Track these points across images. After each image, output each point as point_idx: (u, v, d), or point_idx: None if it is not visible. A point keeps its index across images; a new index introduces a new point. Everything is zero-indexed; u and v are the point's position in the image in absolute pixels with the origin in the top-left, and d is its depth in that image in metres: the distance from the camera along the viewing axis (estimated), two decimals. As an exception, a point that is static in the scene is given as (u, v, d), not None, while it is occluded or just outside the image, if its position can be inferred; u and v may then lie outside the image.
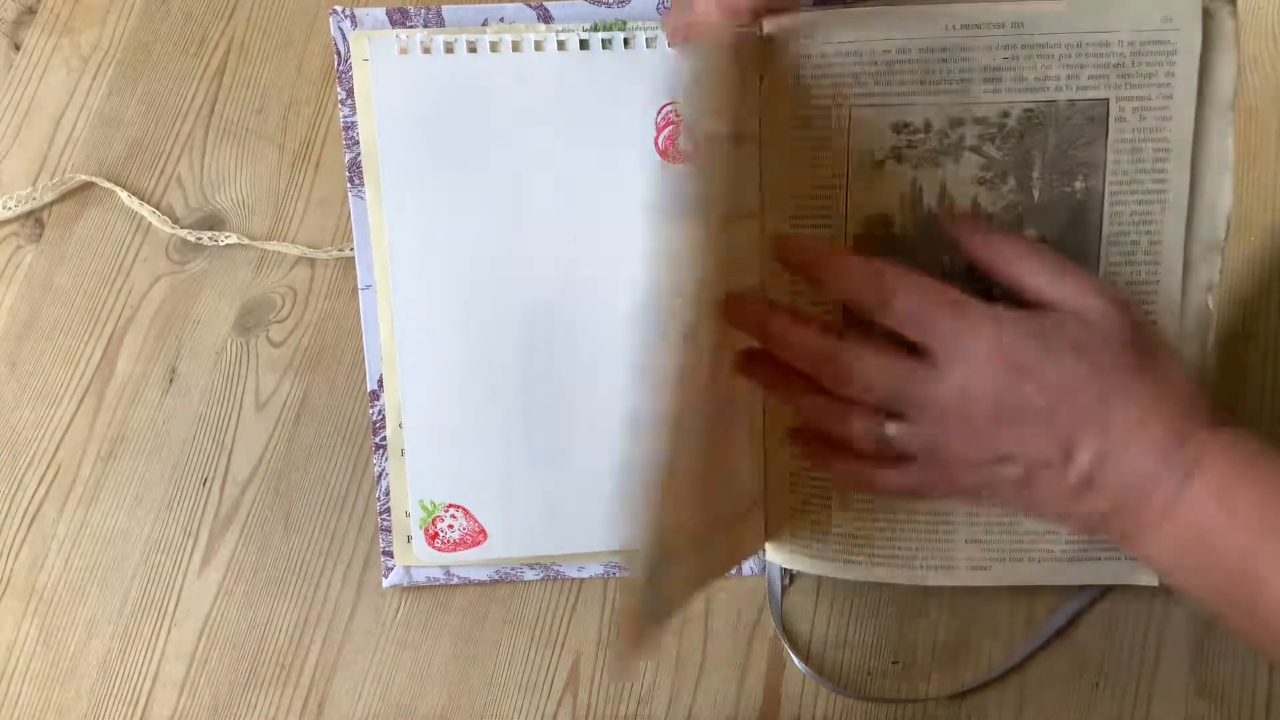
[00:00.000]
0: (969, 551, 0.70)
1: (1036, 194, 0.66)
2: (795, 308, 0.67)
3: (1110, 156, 0.66)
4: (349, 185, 0.72)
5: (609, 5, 0.69)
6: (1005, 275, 0.62)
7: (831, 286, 0.62)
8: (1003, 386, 0.58)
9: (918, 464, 0.61)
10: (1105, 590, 0.72)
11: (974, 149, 0.66)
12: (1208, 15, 0.64)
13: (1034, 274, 0.61)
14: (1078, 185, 0.66)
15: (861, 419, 0.61)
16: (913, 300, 0.59)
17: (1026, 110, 0.65)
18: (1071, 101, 0.65)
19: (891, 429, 0.60)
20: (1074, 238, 0.66)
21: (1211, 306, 0.67)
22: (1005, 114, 0.65)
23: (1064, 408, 0.58)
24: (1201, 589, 0.59)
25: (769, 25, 0.67)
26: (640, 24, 0.69)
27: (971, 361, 0.58)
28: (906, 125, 0.66)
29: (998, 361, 0.58)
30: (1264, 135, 0.76)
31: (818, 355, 0.61)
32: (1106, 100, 0.65)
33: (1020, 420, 0.58)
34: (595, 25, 0.69)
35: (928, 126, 0.66)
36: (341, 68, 0.71)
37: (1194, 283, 0.67)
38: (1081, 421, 0.57)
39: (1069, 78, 0.65)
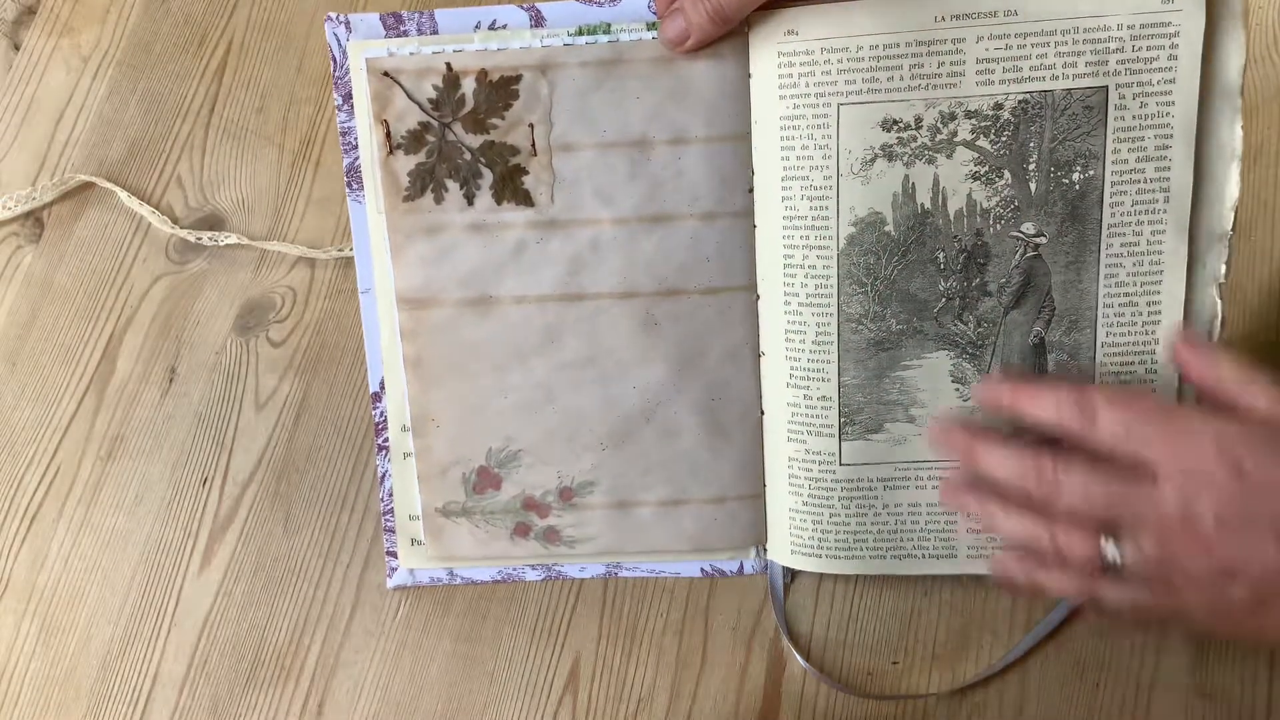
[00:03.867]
0: (970, 540, 0.70)
1: (1033, 187, 0.65)
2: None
3: (1110, 146, 0.64)
4: (348, 189, 0.72)
5: (600, 5, 0.69)
6: (1225, 395, 0.61)
7: (1035, 415, 0.62)
8: (1226, 491, 0.56)
9: (1142, 583, 0.59)
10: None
11: (967, 143, 0.65)
12: None
13: (1256, 394, 0.60)
14: (1076, 177, 0.65)
15: (1080, 537, 0.60)
16: (1120, 414, 0.59)
17: (1021, 101, 0.64)
18: (1068, 90, 0.64)
19: (1111, 550, 0.59)
20: (1073, 230, 0.65)
21: (1220, 301, 0.66)
22: (999, 106, 0.64)
23: None
24: None
25: (755, 23, 0.66)
26: (625, 25, 0.68)
27: (1191, 467, 0.57)
28: (897, 122, 0.65)
29: (1219, 466, 0.56)
30: (1265, 134, 0.74)
31: (1030, 471, 0.60)
32: (1105, 88, 0.64)
33: (1247, 527, 0.56)
34: (580, 29, 0.69)
35: (918, 122, 0.65)
36: (338, 74, 0.70)
37: (1201, 277, 0.66)
38: None
39: (1065, 66, 0.64)
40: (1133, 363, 0.67)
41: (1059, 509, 0.60)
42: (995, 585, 0.65)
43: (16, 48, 0.84)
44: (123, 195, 0.80)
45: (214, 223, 0.80)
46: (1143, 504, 0.58)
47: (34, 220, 0.81)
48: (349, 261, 0.78)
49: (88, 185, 0.81)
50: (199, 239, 0.79)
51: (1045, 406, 0.61)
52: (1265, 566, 0.56)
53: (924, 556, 0.70)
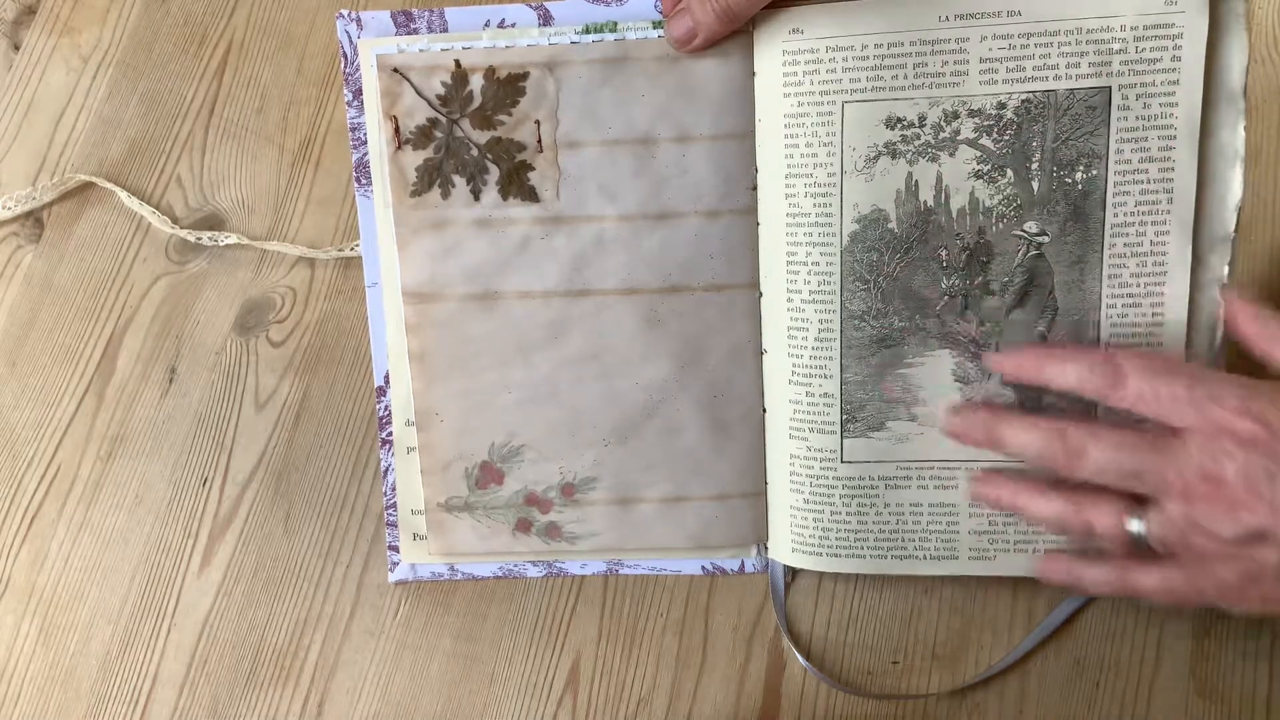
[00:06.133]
0: (972, 542, 0.69)
1: (1036, 186, 0.65)
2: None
3: (1113, 146, 0.65)
4: (356, 185, 0.72)
5: (607, 4, 0.69)
6: (1265, 350, 0.61)
7: (1060, 380, 0.62)
8: (1253, 449, 0.56)
9: (1173, 561, 0.59)
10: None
11: (970, 142, 0.65)
12: None
13: None
14: (1079, 176, 0.65)
15: (1106, 511, 0.60)
16: (1146, 378, 0.59)
17: (1024, 100, 0.64)
18: (1071, 90, 0.64)
19: (1136, 524, 0.59)
20: (1075, 230, 0.65)
21: (1223, 301, 0.66)
22: (1002, 105, 0.64)
23: None
24: None
25: (760, 22, 0.66)
26: (632, 24, 0.69)
27: (1217, 426, 0.57)
28: (900, 120, 0.65)
29: (1247, 422, 0.56)
30: (1265, 134, 0.75)
31: (1055, 439, 0.61)
32: (1109, 88, 0.64)
33: (1275, 485, 0.55)
34: (586, 28, 0.69)
35: (922, 120, 0.65)
36: (348, 70, 0.71)
37: (1204, 277, 0.66)
38: None
39: (1069, 66, 0.64)
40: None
41: (1085, 481, 0.60)
42: (1042, 579, 0.65)
43: (16, 48, 0.84)
44: (123, 195, 0.80)
45: (214, 223, 0.80)
46: (1168, 467, 0.58)
47: (34, 220, 0.81)
48: (349, 261, 0.78)
49: (88, 185, 0.81)
50: (199, 239, 0.79)
51: (1071, 370, 0.61)
52: None
53: (925, 557, 0.70)
